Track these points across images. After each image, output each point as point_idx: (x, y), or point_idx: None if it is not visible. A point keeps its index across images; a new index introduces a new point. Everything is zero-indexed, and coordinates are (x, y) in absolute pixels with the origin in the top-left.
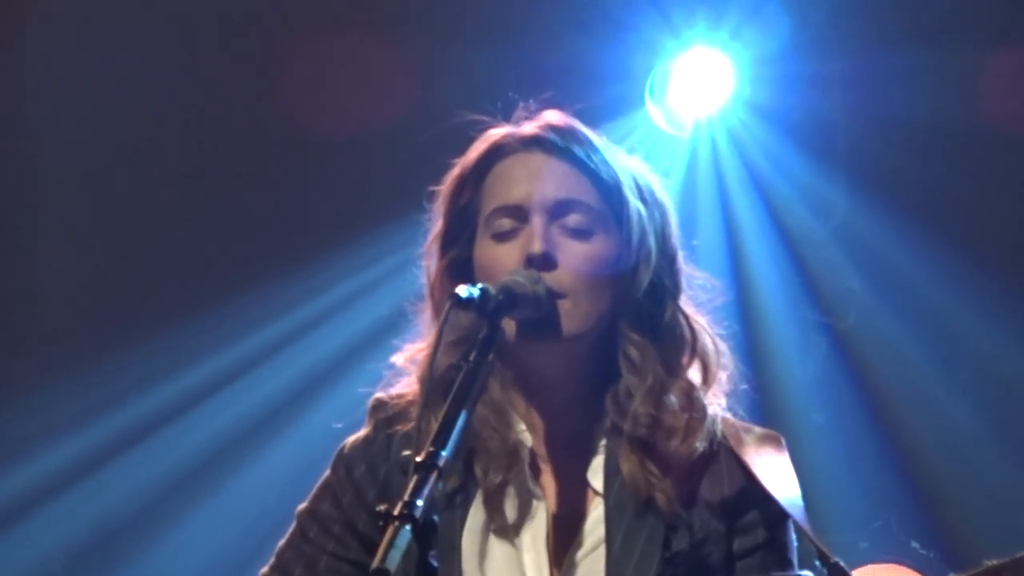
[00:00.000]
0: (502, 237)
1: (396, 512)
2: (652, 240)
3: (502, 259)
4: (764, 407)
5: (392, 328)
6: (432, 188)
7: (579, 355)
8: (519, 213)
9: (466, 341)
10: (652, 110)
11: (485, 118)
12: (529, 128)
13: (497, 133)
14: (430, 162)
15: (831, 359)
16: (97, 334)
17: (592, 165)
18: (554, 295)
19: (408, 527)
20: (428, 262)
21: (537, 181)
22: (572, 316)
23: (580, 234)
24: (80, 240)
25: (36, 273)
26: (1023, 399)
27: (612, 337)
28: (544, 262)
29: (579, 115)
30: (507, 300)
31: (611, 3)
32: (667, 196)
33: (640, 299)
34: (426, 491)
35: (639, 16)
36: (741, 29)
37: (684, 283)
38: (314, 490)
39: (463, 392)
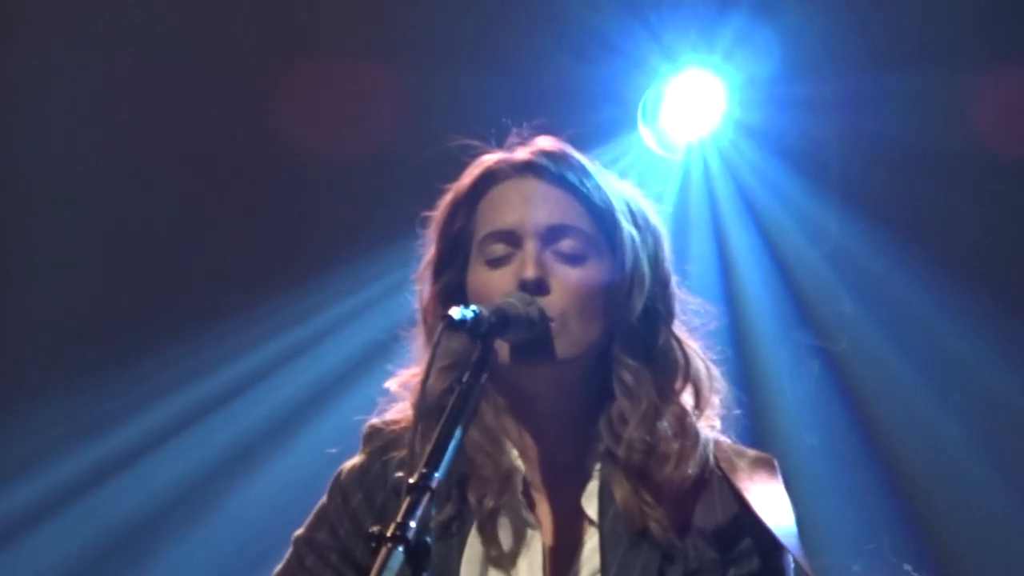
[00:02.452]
0: (495, 263)
1: (389, 534)
2: (645, 265)
3: (495, 284)
4: (757, 429)
5: (386, 351)
6: (425, 213)
7: (572, 379)
8: (512, 238)
9: (459, 365)
10: (644, 132)
11: (477, 143)
12: (522, 154)
13: (490, 159)
14: (423, 186)
15: (823, 381)
16: (94, 351)
17: (585, 190)
18: (547, 318)
19: (401, 549)
20: (421, 287)
21: (530, 206)
22: (565, 340)
23: (573, 259)
24: (76, 259)
25: (34, 291)
26: (1014, 422)
27: (605, 362)
28: (537, 287)
29: (572, 139)
30: (500, 322)
31: (603, 26)
32: (660, 222)
33: (634, 324)
34: (419, 513)
35: (631, 39)
36: (733, 52)
37: (677, 308)
38: (310, 517)
39: (456, 414)
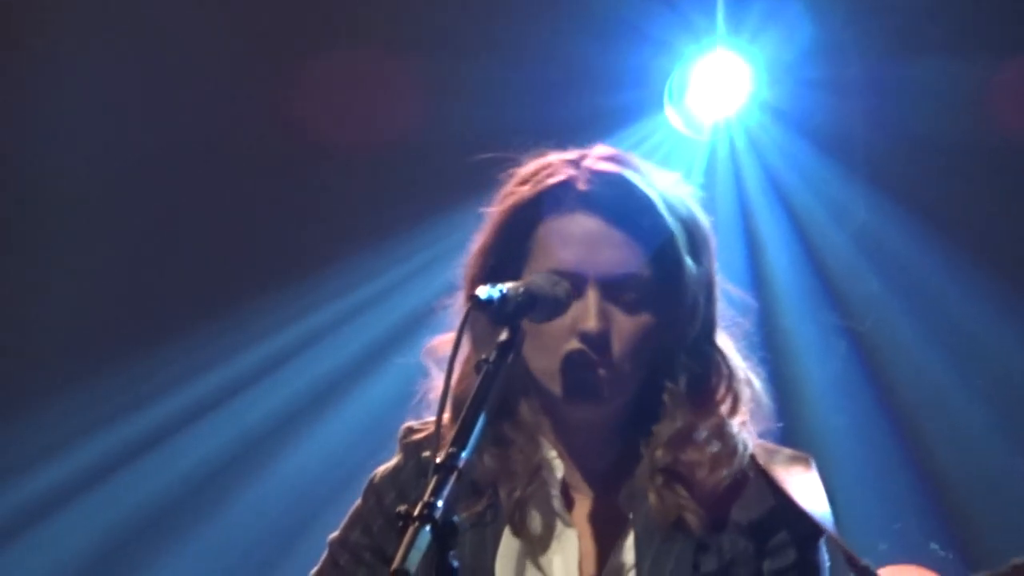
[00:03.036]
0: None
1: (416, 513)
2: (701, 296)
3: (553, 327)
4: (783, 408)
5: (422, 326)
6: (481, 209)
7: (616, 408)
8: (574, 281)
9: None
10: (671, 113)
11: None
12: (585, 179)
13: (557, 174)
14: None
15: (850, 362)
16: (104, 344)
17: (648, 230)
18: (572, 297)
19: (428, 528)
20: (468, 282)
21: (595, 251)
22: (615, 385)
23: (634, 309)
24: (86, 249)
25: (41, 284)
26: None
27: (649, 379)
28: (599, 342)
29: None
30: (527, 302)
31: (629, 8)
32: (707, 220)
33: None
34: (446, 492)
35: (658, 20)
36: (760, 33)
37: (718, 315)
38: (345, 519)
39: (483, 394)
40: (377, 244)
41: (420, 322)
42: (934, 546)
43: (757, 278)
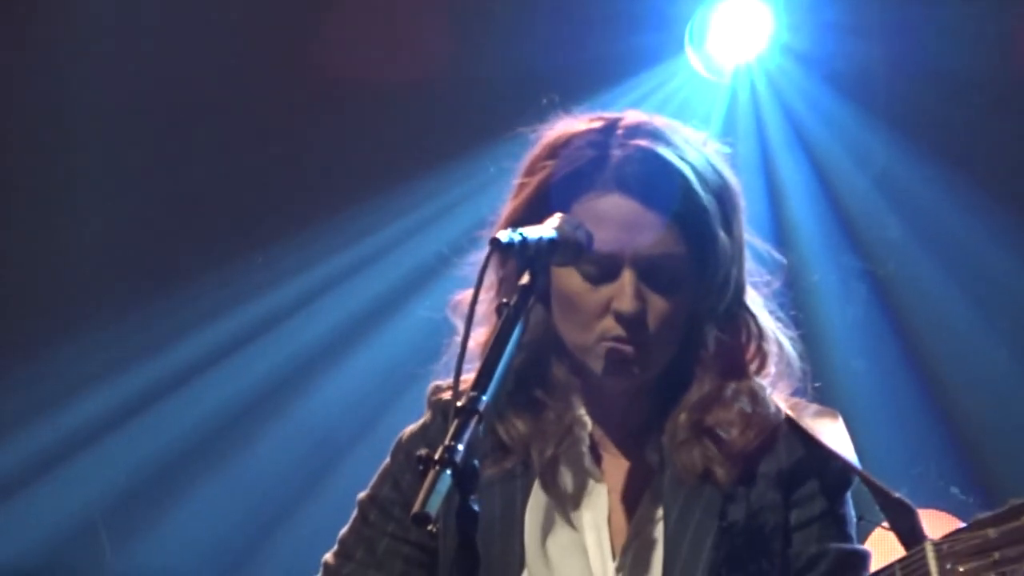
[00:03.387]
0: (589, 278)
1: (437, 457)
2: (734, 270)
3: (587, 300)
4: (804, 354)
5: (438, 273)
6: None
7: (648, 379)
8: (610, 263)
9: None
10: (691, 56)
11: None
12: (618, 159)
13: (589, 147)
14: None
15: (871, 306)
16: (122, 288)
17: (683, 212)
18: (594, 242)
19: (449, 472)
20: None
21: (630, 232)
22: (648, 361)
23: (667, 288)
24: (106, 195)
25: (61, 228)
26: None
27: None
28: (634, 322)
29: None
30: (548, 245)
31: None
32: (736, 181)
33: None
34: (467, 436)
35: None
36: None
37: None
38: (374, 478)
39: (503, 337)
40: (400, 185)
41: (443, 266)
42: (954, 490)
43: (777, 222)
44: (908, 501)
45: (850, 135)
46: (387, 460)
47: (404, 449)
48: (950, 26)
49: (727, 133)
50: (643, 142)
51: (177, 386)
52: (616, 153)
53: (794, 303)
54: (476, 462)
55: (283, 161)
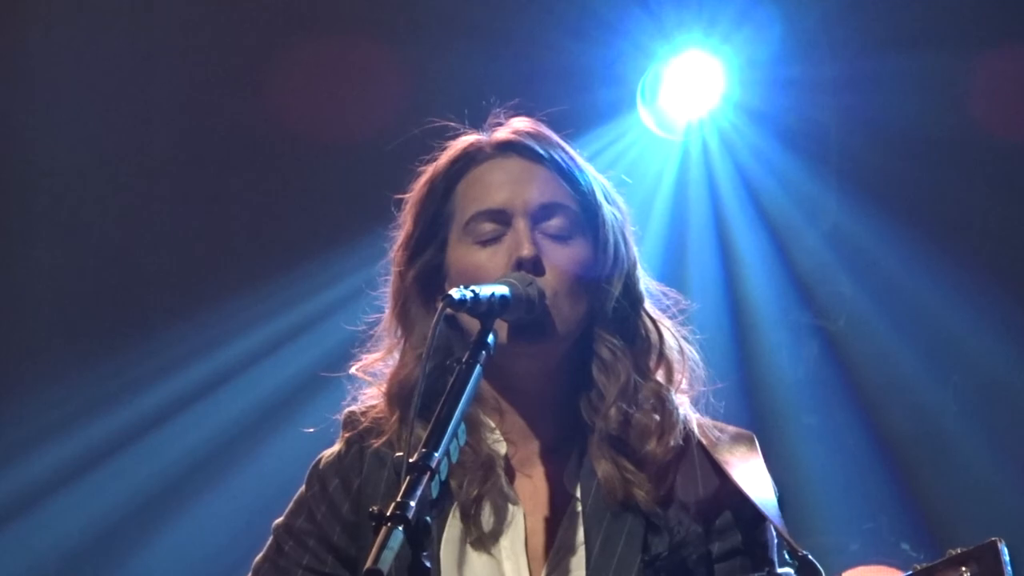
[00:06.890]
0: (486, 242)
1: (389, 513)
2: (623, 245)
3: (486, 264)
4: (755, 408)
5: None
6: (399, 196)
7: (560, 357)
8: (502, 217)
9: (439, 350)
10: (644, 113)
11: (454, 124)
12: (503, 133)
13: (468, 139)
14: (402, 170)
15: (822, 361)
16: (85, 338)
17: (569, 170)
18: (544, 297)
19: (401, 528)
20: (395, 269)
21: (519, 185)
22: (558, 318)
23: (562, 238)
24: (67, 244)
25: (26, 278)
26: (1012, 401)
27: (586, 342)
28: (534, 265)
29: (564, 118)
30: (501, 302)
31: (603, 7)
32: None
33: (613, 303)
34: (419, 492)
35: (631, 20)
36: (733, 33)
37: (645, 289)
38: (290, 505)
39: (457, 393)
40: (354, 240)
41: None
42: (905, 546)
43: (729, 277)
44: (813, 560)
45: (801, 191)
46: (302, 488)
47: (320, 477)
48: (900, 83)
49: (679, 190)
50: (525, 122)
51: (138, 438)
52: (494, 133)
53: (746, 358)
54: (428, 518)
55: (240, 215)
